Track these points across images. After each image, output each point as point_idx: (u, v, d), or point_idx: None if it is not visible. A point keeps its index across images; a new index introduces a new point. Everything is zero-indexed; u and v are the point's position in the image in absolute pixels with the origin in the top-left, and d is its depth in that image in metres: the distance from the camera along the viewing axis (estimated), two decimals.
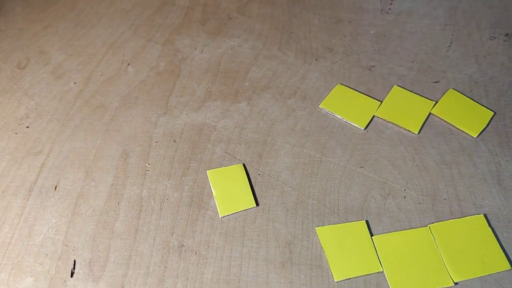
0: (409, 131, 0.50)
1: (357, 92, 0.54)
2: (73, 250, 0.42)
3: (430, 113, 0.52)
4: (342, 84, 0.55)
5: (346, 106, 0.53)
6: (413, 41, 0.60)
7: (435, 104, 0.53)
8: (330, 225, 0.43)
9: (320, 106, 0.52)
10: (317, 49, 0.59)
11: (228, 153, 0.49)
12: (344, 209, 0.45)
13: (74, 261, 0.42)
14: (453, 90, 0.54)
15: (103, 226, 0.44)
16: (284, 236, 0.43)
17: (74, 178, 0.47)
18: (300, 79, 0.56)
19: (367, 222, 0.44)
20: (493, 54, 0.58)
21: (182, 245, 0.42)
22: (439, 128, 0.50)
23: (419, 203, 0.45)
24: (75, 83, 0.55)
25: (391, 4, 0.65)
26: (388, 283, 0.40)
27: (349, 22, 0.63)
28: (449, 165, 0.47)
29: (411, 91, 0.54)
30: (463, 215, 0.44)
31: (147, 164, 0.48)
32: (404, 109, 0.52)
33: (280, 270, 0.41)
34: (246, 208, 0.45)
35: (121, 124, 0.51)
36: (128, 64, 0.57)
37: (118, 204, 0.45)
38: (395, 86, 0.55)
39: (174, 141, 0.50)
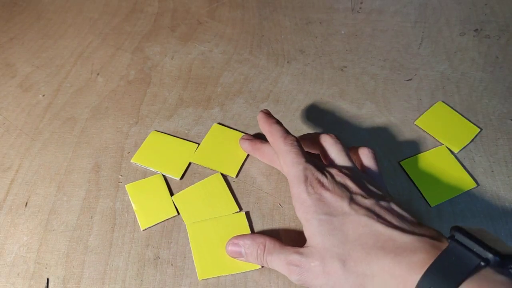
0: None
1: (173, 137, 0.50)
2: (46, 268, 0.41)
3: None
4: (157, 131, 0.51)
5: (161, 156, 0.49)
6: (385, 40, 0.60)
7: None
8: (136, 181, 0.47)
9: (131, 161, 0.48)
10: (288, 51, 0.59)
11: None
12: None
13: (48, 279, 0.41)
14: (442, 102, 0.53)
15: (77, 242, 0.43)
16: None
17: (45, 193, 0.46)
18: (272, 82, 0.55)
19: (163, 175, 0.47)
20: (464, 50, 0.58)
21: (158, 257, 0.42)
22: None
23: None
24: (43, 95, 0.54)
25: (361, 3, 0.65)
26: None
27: (320, 23, 0.63)
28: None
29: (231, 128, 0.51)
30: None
31: (120, 176, 0.47)
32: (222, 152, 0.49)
33: (258, 277, 0.40)
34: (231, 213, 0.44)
35: (92, 136, 0.50)
36: (98, 74, 0.56)
37: (91, 218, 0.44)
38: (215, 124, 0.51)
39: None
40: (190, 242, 0.42)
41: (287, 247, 0.38)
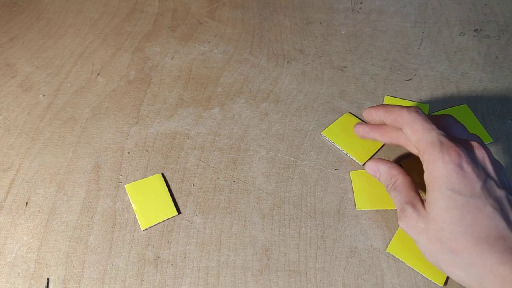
0: None
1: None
2: (46, 268, 0.41)
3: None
4: (350, 113, 0.52)
5: (351, 138, 0.50)
6: (385, 40, 0.60)
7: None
8: (136, 181, 0.47)
9: (322, 133, 0.50)
10: (288, 51, 0.59)
11: (202, 161, 0.48)
12: (320, 212, 0.44)
13: (48, 279, 0.41)
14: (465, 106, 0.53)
15: (77, 242, 0.43)
16: (261, 243, 0.43)
17: (45, 193, 0.46)
18: (272, 82, 0.55)
19: (162, 174, 0.47)
20: (463, 50, 0.58)
21: (158, 257, 0.42)
22: None
23: None
24: (43, 95, 0.54)
25: (361, 3, 0.65)
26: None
27: (320, 23, 0.63)
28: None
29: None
30: None
31: (120, 176, 0.47)
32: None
33: (258, 277, 0.40)
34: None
35: (92, 136, 0.50)
36: (98, 74, 0.56)
37: (92, 218, 0.44)
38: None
39: (147, 151, 0.49)
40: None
41: (409, 192, 0.39)
